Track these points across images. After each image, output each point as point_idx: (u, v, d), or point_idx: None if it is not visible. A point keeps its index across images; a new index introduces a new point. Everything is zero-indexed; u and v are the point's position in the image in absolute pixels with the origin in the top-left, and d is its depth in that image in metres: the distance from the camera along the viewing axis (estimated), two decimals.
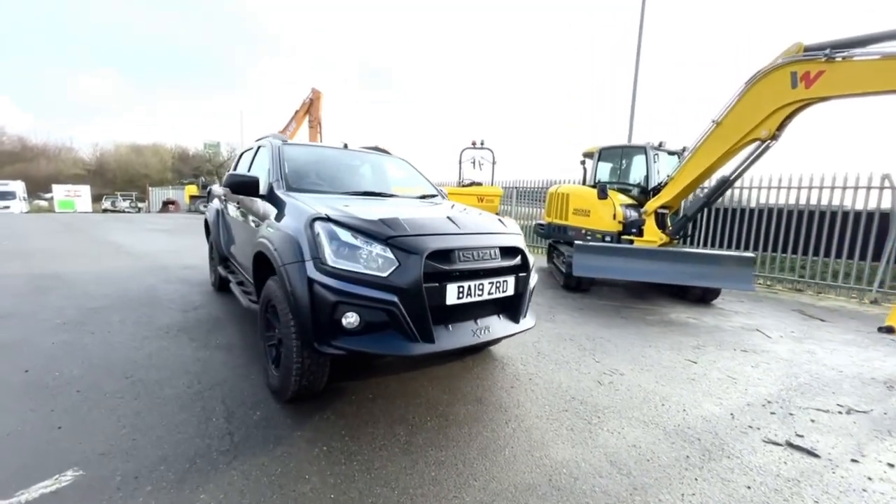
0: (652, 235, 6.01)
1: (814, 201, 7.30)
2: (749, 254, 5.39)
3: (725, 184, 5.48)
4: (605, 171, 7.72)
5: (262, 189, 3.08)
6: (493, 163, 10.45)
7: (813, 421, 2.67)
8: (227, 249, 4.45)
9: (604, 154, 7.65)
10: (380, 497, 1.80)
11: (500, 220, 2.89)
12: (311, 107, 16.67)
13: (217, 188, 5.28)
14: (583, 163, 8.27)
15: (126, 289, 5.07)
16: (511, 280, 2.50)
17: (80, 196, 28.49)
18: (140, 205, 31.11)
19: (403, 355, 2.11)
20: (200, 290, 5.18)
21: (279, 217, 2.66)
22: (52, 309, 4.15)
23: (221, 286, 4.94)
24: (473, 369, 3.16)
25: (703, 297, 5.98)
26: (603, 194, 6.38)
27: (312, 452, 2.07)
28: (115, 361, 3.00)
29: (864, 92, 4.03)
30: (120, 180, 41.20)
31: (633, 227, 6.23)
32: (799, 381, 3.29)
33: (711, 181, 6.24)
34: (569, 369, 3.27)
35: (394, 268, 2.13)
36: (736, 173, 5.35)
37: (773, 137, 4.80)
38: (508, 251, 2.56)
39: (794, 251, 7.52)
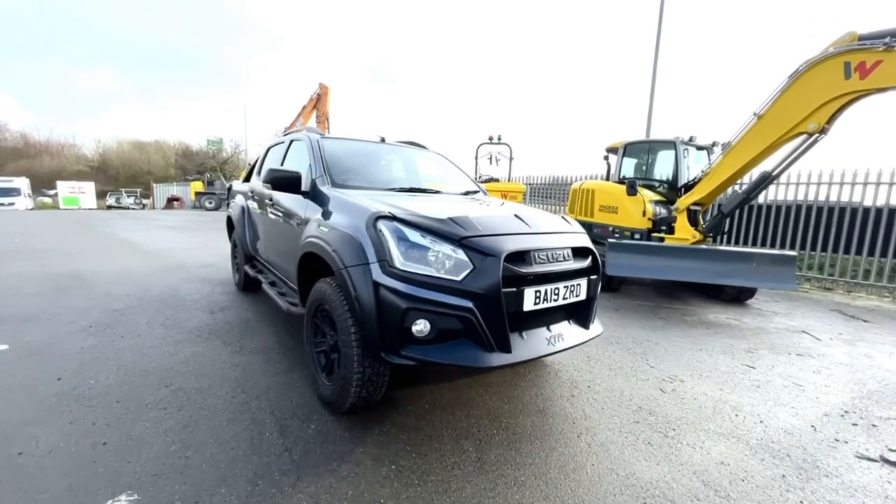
0: (684, 233, 5.81)
1: (844, 197, 7.12)
2: (790, 252, 5.20)
3: (767, 179, 5.27)
4: (629, 166, 7.51)
5: (304, 185, 2.90)
6: (511, 158, 10.26)
7: None
8: (255, 248, 4.28)
9: (629, 149, 7.43)
10: None
11: (564, 218, 2.71)
12: (318, 102, 16.45)
13: (240, 184, 5.11)
14: (606, 158, 8.07)
15: (147, 288, 4.90)
16: (584, 283, 2.32)
17: (84, 192, 28.30)
18: (144, 201, 30.94)
19: (479, 367, 1.93)
20: (224, 289, 5.01)
21: (328, 215, 2.48)
22: (76, 311, 3.99)
23: (247, 286, 4.78)
24: (527, 376, 2.99)
25: (737, 297, 5.80)
26: (632, 190, 6.18)
27: (381, 472, 1.91)
28: (150, 368, 2.84)
29: None
30: (123, 177, 41.00)
31: (662, 225, 6.03)
32: (868, 389, 3.12)
33: (752, 175, 6.04)
34: (625, 375, 3.10)
35: (468, 271, 1.95)
36: (780, 168, 5.14)
37: (822, 131, 4.59)
38: (579, 252, 2.39)
39: (824, 249, 7.34)
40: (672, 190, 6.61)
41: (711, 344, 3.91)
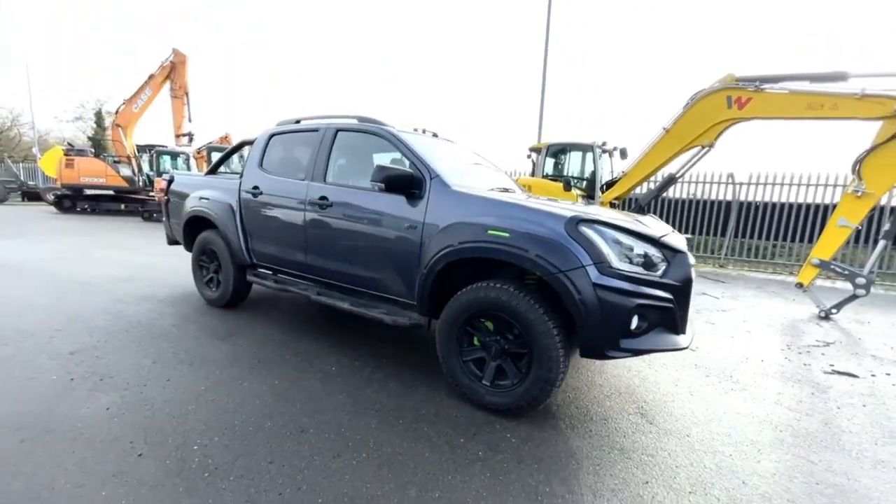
0: None
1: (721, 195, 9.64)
2: (687, 235, 6.88)
3: (672, 180, 6.84)
4: (550, 165, 8.62)
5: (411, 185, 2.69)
6: None
7: None
8: (264, 255, 3.62)
9: (551, 149, 8.52)
10: None
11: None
12: (172, 72, 13.51)
13: (210, 179, 4.15)
14: (529, 156, 9.04)
15: (84, 317, 3.60)
16: None
17: None
18: None
19: (677, 349, 2.27)
20: (191, 307, 4.02)
21: (480, 217, 2.41)
22: (50, 358, 2.75)
23: (233, 300, 3.96)
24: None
25: None
26: (568, 186, 7.18)
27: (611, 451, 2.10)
28: (243, 427, 2.29)
29: (778, 116, 5.60)
30: None
31: None
32: (779, 327, 4.55)
33: (660, 176, 7.65)
34: None
35: (665, 267, 2.26)
36: (682, 171, 6.73)
37: (711, 145, 6.22)
38: None
39: (707, 233, 9.73)
40: (590, 187, 7.92)
41: None
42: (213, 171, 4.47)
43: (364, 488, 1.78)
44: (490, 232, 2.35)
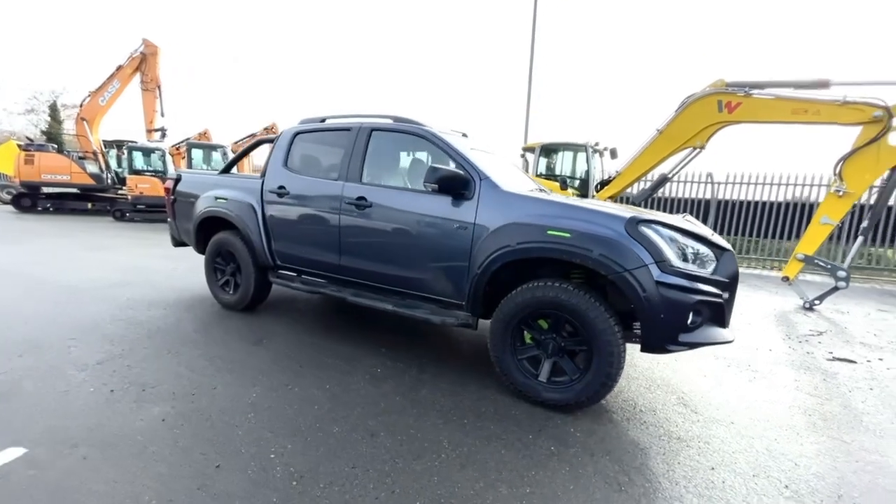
0: None
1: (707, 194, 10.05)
2: None
3: (665, 179, 7.13)
4: (542, 164, 8.79)
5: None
6: None
7: None
8: (289, 256, 3.54)
9: (544, 149, 8.69)
10: None
11: None
12: (142, 64, 12.80)
13: (224, 178, 4.00)
14: (523, 156, 9.18)
15: (95, 326, 3.39)
16: None
17: None
18: None
19: (725, 342, 2.40)
20: (204, 313, 3.87)
21: (537, 218, 2.47)
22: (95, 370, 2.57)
23: (252, 303, 3.85)
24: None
25: None
26: (564, 185, 7.34)
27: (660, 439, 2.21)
28: (311, 433, 2.25)
29: (765, 120, 5.95)
30: None
31: None
32: (772, 316, 4.86)
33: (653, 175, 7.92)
34: None
35: (715, 264, 2.38)
36: (674, 171, 7.02)
37: (702, 147, 6.53)
38: None
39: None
40: (583, 186, 8.14)
41: None
42: (227, 170, 4.29)
43: (455, 488, 1.80)
44: (550, 232, 2.40)
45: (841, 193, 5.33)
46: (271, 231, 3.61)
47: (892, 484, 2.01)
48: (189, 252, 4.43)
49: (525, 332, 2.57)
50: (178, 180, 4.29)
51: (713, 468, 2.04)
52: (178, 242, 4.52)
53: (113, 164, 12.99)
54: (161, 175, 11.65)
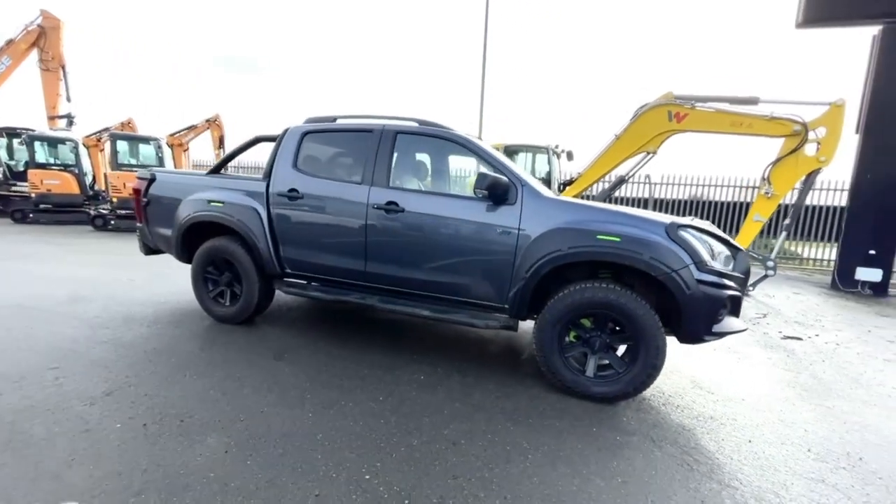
0: None
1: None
2: None
3: (622, 181, 7.77)
4: None
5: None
6: None
7: None
8: (303, 263, 3.35)
9: (506, 151, 8.99)
10: None
11: None
12: (41, 39, 10.94)
13: (213, 178, 3.62)
14: None
15: (73, 351, 2.90)
16: None
17: None
18: None
19: (742, 331, 2.73)
20: (199, 328, 3.49)
21: (585, 223, 2.62)
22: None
23: (254, 315, 3.56)
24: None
25: None
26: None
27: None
28: (394, 449, 2.18)
29: (708, 130, 6.74)
30: None
31: None
32: None
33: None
34: None
35: (733, 262, 2.71)
36: (630, 173, 7.66)
37: (654, 152, 7.23)
38: None
39: None
40: (546, 186, 8.58)
41: None
42: (217, 170, 3.87)
43: (558, 486, 1.88)
44: (600, 237, 2.57)
45: (769, 195, 6.25)
46: (280, 237, 3.37)
47: (877, 438, 2.47)
48: (134, 259, 3.93)
49: (571, 331, 2.72)
50: (151, 181, 3.80)
51: (750, 441, 2.35)
52: (150, 250, 4.00)
53: (3, 155, 10.97)
54: (73, 169, 10.10)
